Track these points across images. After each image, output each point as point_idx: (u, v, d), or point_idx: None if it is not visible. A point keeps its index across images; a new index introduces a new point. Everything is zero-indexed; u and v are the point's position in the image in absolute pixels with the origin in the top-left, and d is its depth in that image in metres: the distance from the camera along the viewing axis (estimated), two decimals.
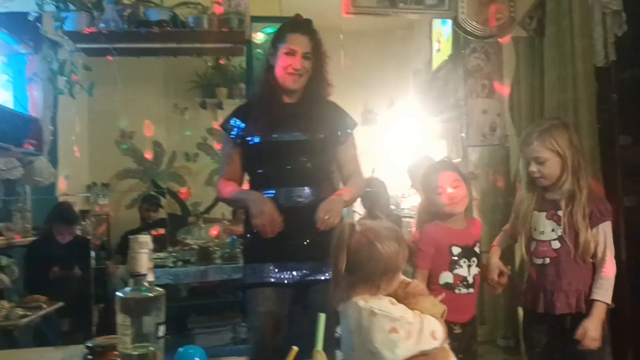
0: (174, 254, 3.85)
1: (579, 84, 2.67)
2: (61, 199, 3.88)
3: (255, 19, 3.05)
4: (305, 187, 2.01)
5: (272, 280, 1.99)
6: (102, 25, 2.78)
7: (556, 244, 1.95)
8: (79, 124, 4.42)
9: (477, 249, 2.03)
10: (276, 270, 2.00)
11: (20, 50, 3.24)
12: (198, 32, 2.84)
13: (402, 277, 1.37)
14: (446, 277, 1.98)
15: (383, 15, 3.06)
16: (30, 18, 2.90)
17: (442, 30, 4.13)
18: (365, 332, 1.25)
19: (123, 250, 4.05)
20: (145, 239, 1.11)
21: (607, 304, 1.92)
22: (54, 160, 3.81)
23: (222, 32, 2.84)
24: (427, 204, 2.12)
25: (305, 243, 1.99)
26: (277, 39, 2.08)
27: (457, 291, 1.98)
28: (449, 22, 3.28)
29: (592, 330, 1.88)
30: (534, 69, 2.97)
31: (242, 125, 2.07)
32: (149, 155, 5.02)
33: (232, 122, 2.09)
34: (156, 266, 3.83)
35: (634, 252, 2.57)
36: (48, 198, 3.75)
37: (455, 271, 1.98)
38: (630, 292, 2.55)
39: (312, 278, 2.00)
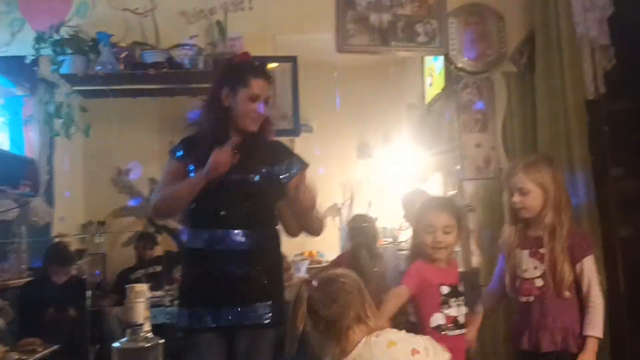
0: (171, 293, 3.82)
1: (571, 117, 2.71)
2: (56, 239, 3.86)
3: (252, 58, 3.08)
4: (241, 231, 1.98)
5: (207, 325, 1.93)
6: (98, 67, 2.81)
7: (539, 282, 1.97)
8: (74, 163, 4.44)
9: (461, 288, 1.99)
10: (212, 314, 1.94)
11: (16, 93, 3.27)
12: (193, 73, 2.87)
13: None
14: (438, 319, 1.93)
15: (376, 53, 3.11)
16: (27, 61, 2.94)
17: (434, 65, 4.19)
18: None
19: (119, 289, 4.01)
20: (142, 287, 1.10)
21: (600, 339, 1.92)
22: (49, 200, 3.80)
23: None
24: (415, 238, 2.08)
25: (238, 287, 1.94)
26: (237, 82, 2.02)
27: (449, 333, 1.92)
28: (441, 57, 3.34)
29: None
30: (525, 102, 3.02)
31: (188, 158, 2.05)
32: (145, 192, 5.02)
33: (178, 152, 2.08)
34: (152, 305, 3.78)
35: (632, 283, 2.57)
36: (44, 239, 3.73)
37: (446, 311, 1.94)
38: (630, 324, 2.54)
39: (241, 324, 1.95)
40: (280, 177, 2.05)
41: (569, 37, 2.75)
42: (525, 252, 2.00)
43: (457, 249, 3.95)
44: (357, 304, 1.31)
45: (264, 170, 2.03)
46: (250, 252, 1.97)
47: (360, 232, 3.32)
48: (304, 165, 2.11)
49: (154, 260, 4.62)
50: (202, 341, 1.94)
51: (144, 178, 4.99)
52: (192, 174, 2.02)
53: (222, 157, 1.91)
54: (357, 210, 4.58)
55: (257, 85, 2.01)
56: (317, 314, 1.30)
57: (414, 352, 1.25)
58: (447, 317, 1.94)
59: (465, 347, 1.99)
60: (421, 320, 1.96)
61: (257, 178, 2.02)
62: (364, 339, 1.28)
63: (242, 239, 1.98)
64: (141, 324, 1.10)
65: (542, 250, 1.97)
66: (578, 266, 1.95)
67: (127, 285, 1.14)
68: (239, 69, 2.06)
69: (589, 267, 1.97)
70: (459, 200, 3.93)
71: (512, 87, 3.06)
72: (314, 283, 1.34)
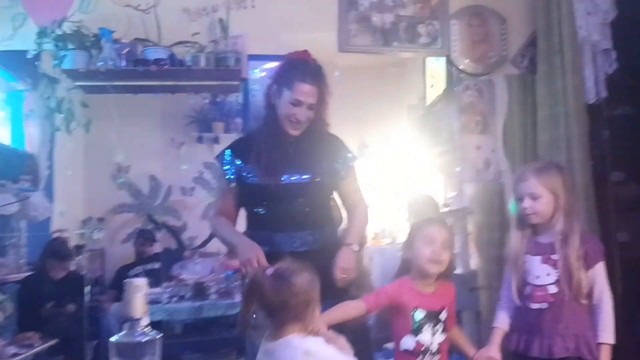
0: (169, 290, 3.82)
1: (571, 121, 2.71)
2: (55, 234, 3.86)
3: (253, 57, 3.09)
4: (305, 232, 1.98)
5: None
6: (100, 63, 2.81)
7: (553, 289, 1.95)
8: (75, 159, 4.44)
9: (443, 315, 1.92)
10: None
11: (18, 87, 3.27)
12: (195, 70, 2.87)
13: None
14: (407, 342, 1.88)
15: (377, 53, 3.11)
16: (29, 56, 2.93)
17: (436, 67, 4.18)
18: None
19: (117, 285, 4.02)
20: (141, 282, 1.10)
21: (612, 345, 1.93)
22: (49, 195, 3.80)
23: (219, 70, 2.87)
24: (407, 252, 2.00)
25: None
26: (283, 82, 2.01)
27: (416, 358, 1.87)
28: (443, 59, 3.34)
29: None
30: (526, 106, 3.02)
31: (239, 162, 2.04)
32: (145, 189, 5.03)
33: (227, 157, 2.06)
34: (150, 302, 3.78)
35: (630, 287, 2.57)
36: (43, 234, 3.73)
37: (418, 337, 1.88)
38: (628, 328, 2.54)
39: None
40: (340, 170, 2.07)
41: (571, 40, 2.75)
42: (537, 259, 1.98)
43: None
44: (300, 305, 1.36)
45: (323, 169, 2.03)
46: (313, 252, 1.95)
47: None
48: (355, 157, 2.14)
49: (153, 257, 4.63)
50: None
51: (143, 175, 5.01)
52: (236, 169, 2.02)
53: (253, 263, 1.85)
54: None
55: (301, 90, 1.96)
56: (262, 300, 1.37)
57: None
58: (417, 343, 1.88)
59: None
60: (395, 341, 1.94)
61: (321, 177, 2.02)
62: (291, 335, 1.33)
63: (308, 239, 1.99)
64: (139, 319, 1.09)
65: (554, 257, 1.95)
66: (590, 272, 1.95)
67: (125, 280, 1.14)
68: (289, 69, 2.03)
69: (601, 273, 1.97)
70: (457, 202, 3.94)
71: (513, 89, 3.06)
72: (269, 272, 1.41)
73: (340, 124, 4.71)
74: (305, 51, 2.09)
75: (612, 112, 2.80)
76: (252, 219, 2.07)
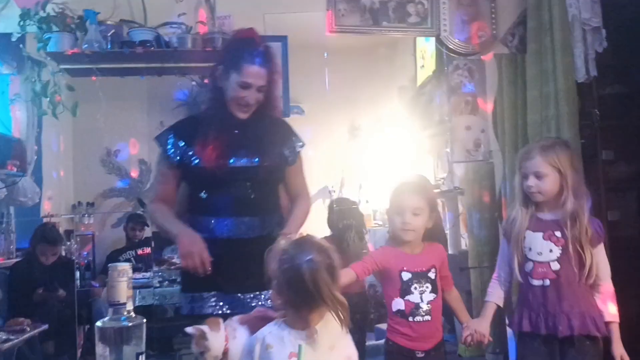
0: (160, 274, 3.82)
1: (561, 100, 2.70)
2: (45, 219, 3.84)
3: None
4: (251, 217, 1.92)
5: (212, 312, 1.88)
6: (85, 46, 2.77)
7: (555, 265, 1.93)
8: (63, 143, 4.40)
9: (431, 275, 1.94)
10: (216, 301, 1.91)
11: (3, 71, 3.22)
12: (182, 52, 2.83)
13: None
14: (398, 304, 1.92)
15: (367, 33, 3.08)
16: (13, 39, 2.88)
17: (426, 47, 4.16)
18: None
19: (108, 270, 4.01)
20: (125, 267, 1.09)
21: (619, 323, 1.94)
22: (38, 180, 3.78)
23: (206, 52, 2.83)
24: (389, 222, 2.04)
25: (248, 275, 1.86)
26: (230, 64, 1.92)
27: (411, 319, 1.90)
28: (433, 39, 3.31)
29: (624, 353, 1.90)
30: (516, 85, 3.00)
31: (182, 143, 1.93)
32: (134, 173, 4.99)
33: (170, 138, 1.95)
34: (142, 286, 3.79)
35: (618, 266, 2.58)
36: (32, 219, 3.70)
37: (407, 297, 1.91)
38: (618, 305, 2.56)
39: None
40: (287, 155, 2.01)
41: (561, 19, 2.73)
42: (539, 235, 1.96)
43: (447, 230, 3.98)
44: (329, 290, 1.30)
45: (271, 153, 1.97)
46: (257, 239, 1.90)
47: (348, 214, 3.31)
48: (302, 144, 2.06)
49: (144, 241, 4.61)
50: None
51: (133, 159, 4.97)
52: (179, 151, 1.92)
53: (200, 269, 1.82)
54: (347, 193, 4.58)
55: (249, 72, 1.88)
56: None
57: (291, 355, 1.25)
58: (407, 303, 1.91)
59: (430, 334, 1.94)
60: (386, 304, 1.96)
61: (258, 162, 1.95)
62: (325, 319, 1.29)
63: (254, 225, 1.93)
64: (124, 303, 1.08)
65: (558, 234, 1.93)
66: (594, 251, 1.93)
67: (109, 265, 1.13)
68: (236, 50, 1.95)
69: (603, 252, 1.97)
70: (448, 182, 3.95)
71: (503, 69, 3.04)
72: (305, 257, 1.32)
73: (330, 105, 4.73)
74: (251, 29, 2.00)
75: (602, 92, 2.80)
76: (194, 204, 1.97)
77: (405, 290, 1.92)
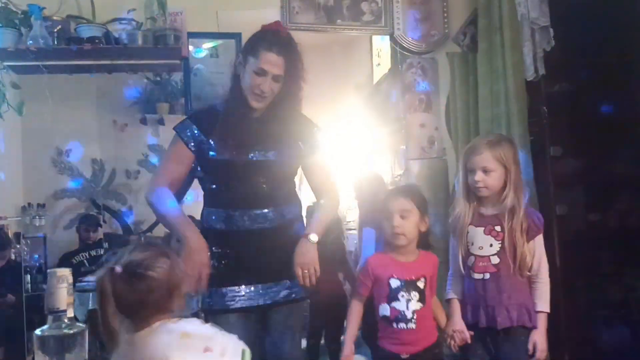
0: None
1: (511, 97, 2.77)
2: None
3: (193, 34, 2.99)
4: (266, 209, 1.92)
5: (236, 305, 1.89)
6: (30, 42, 2.67)
7: (495, 259, 1.99)
8: (11, 143, 4.24)
9: (420, 284, 1.96)
10: (237, 294, 1.91)
11: None
12: (132, 48, 2.76)
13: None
14: (384, 309, 1.95)
15: (321, 31, 3.07)
16: None
17: (382, 45, 4.19)
18: (178, 355, 1.17)
19: None
20: (64, 272, 1.05)
21: (548, 313, 2.00)
22: None
23: (158, 49, 2.77)
24: (383, 229, 2.07)
25: (265, 266, 1.91)
26: (248, 51, 1.92)
27: (395, 326, 1.93)
28: (387, 37, 3.33)
29: (542, 343, 1.95)
30: (468, 83, 3.05)
31: (201, 136, 1.93)
32: (87, 173, 4.86)
33: (189, 130, 1.94)
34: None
35: (567, 259, 2.67)
36: None
37: (393, 304, 1.94)
38: (564, 297, 2.64)
39: (274, 300, 1.94)
40: (303, 147, 2.00)
41: (510, 18, 2.79)
42: (480, 230, 2.01)
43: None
44: (163, 297, 1.23)
45: (288, 147, 1.96)
46: (273, 230, 1.92)
47: None
48: (323, 135, 2.06)
49: (98, 242, 4.49)
50: (232, 322, 1.87)
51: (85, 159, 4.83)
52: (197, 142, 1.91)
53: (201, 265, 1.79)
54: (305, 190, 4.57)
55: (266, 58, 1.87)
56: (116, 304, 1.19)
57: (206, 349, 1.19)
58: (393, 310, 1.94)
59: (415, 341, 1.97)
60: (375, 307, 1.99)
61: (286, 155, 1.95)
62: (158, 323, 1.22)
63: (264, 218, 1.92)
64: (64, 310, 1.05)
65: (497, 228, 1.99)
66: (530, 244, 2.00)
67: (48, 270, 1.09)
68: (257, 39, 1.94)
69: (540, 245, 2.03)
70: (404, 179, 3.98)
71: (455, 67, 3.09)
72: (117, 270, 1.21)
73: None
74: (278, 22, 2.03)
75: (551, 89, 2.87)
76: (209, 196, 1.98)
77: (392, 297, 1.94)
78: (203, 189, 2.01)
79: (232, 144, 1.89)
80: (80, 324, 1.07)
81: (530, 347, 1.95)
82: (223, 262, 1.91)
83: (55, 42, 2.72)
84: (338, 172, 4.64)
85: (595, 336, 2.83)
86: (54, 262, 4.47)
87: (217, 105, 2.03)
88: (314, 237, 1.91)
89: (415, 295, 1.95)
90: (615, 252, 2.80)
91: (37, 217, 4.63)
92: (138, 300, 1.19)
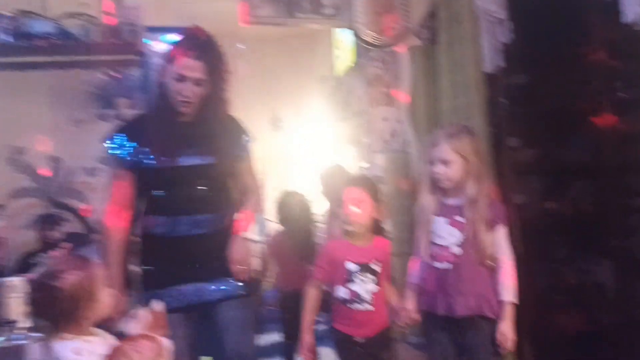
0: None
1: (471, 89, 2.79)
2: None
3: (152, 28, 2.94)
4: (205, 215, 1.95)
5: (175, 304, 1.89)
6: None
7: (456, 249, 2.01)
8: None
9: (375, 267, 2.05)
10: (176, 294, 1.94)
11: None
12: (87, 44, 2.69)
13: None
14: (340, 291, 2.04)
15: (281, 24, 3.05)
16: None
17: (344, 38, 4.19)
18: None
19: (22, 272, 3.79)
20: (15, 282, 1.02)
21: (515, 304, 2.02)
22: None
23: (114, 44, 2.71)
24: (329, 216, 2.16)
25: (203, 267, 1.96)
26: (167, 57, 1.94)
27: (350, 306, 2.02)
28: (349, 30, 3.32)
29: (509, 332, 1.97)
30: (429, 76, 3.07)
31: (133, 144, 1.93)
32: (44, 171, 4.72)
33: (120, 140, 1.94)
34: None
35: (525, 246, 2.72)
36: None
37: (349, 286, 2.02)
38: (525, 285, 2.70)
39: (214, 298, 1.98)
40: (238, 151, 2.04)
41: (468, 10, 2.81)
42: (442, 220, 2.03)
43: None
44: (70, 307, 1.23)
45: (221, 150, 1.98)
46: (212, 235, 1.96)
47: (297, 207, 3.31)
48: (251, 138, 2.10)
49: (58, 242, 4.38)
50: (174, 321, 1.83)
51: (43, 156, 4.70)
52: (130, 152, 1.92)
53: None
54: (271, 184, 4.55)
55: (182, 63, 1.88)
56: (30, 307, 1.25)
57: None
58: (351, 292, 2.01)
59: (370, 322, 2.05)
60: (331, 290, 2.06)
61: (220, 159, 1.97)
62: (57, 340, 1.23)
63: (208, 221, 1.95)
64: (14, 321, 1.01)
65: (459, 218, 2.01)
66: (493, 234, 2.01)
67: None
68: (175, 43, 1.97)
69: (502, 234, 2.05)
70: (370, 172, 4.01)
71: (416, 60, 3.11)
72: (31, 277, 1.28)
73: (251, 98, 4.65)
74: (197, 26, 2.00)
75: (509, 81, 2.91)
76: (151, 203, 1.99)
77: (348, 279, 2.02)
78: (143, 196, 2.00)
79: (163, 149, 1.92)
80: (35, 335, 1.04)
81: (499, 337, 1.97)
82: (161, 265, 1.95)
83: (9, 38, 2.62)
84: (302, 165, 4.65)
85: (553, 321, 2.90)
86: (13, 263, 4.35)
87: (145, 114, 2.08)
88: (245, 233, 2.00)
89: (370, 277, 2.04)
90: (570, 237, 2.87)
91: None
92: (46, 307, 1.21)
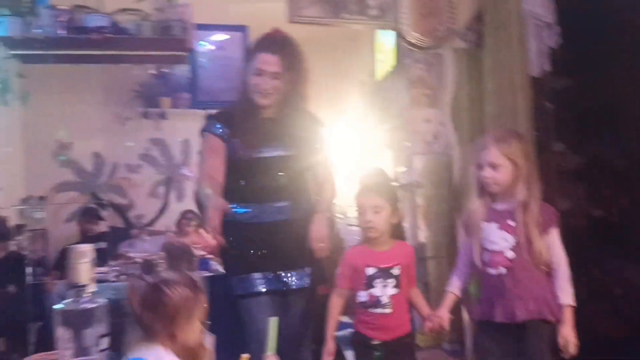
0: (116, 268, 3.73)
1: (516, 93, 2.78)
2: None
3: (201, 26, 3.01)
4: (284, 202, 2.09)
5: (262, 289, 2.06)
6: (37, 30, 2.67)
7: (510, 254, 1.98)
8: (13, 133, 4.24)
9: (395, 271, 2.05)
10: (263, 280, 2.07)
11: None
12: (139, 39, 2.78)
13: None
14: (362, 296, 2.05)
15: (327, 25, 3.09)
16: None
17: (385, 42, 4.20)
18: None
19: (61, 266, 3.89)
20: (85, 248, 1.06)
21: (574, 307, 1.98)
22: None
23: (164, 40, 2.78)
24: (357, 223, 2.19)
25: (286, 256, 2.09)
26: (249, 55, 2.13)
27: (371, 310, 2.03)
28: (391, 33, 3.34)
29: (571, 336, 1.93)
30: (473, 79, 3.07)
31: (227, 130, 2.10)
32: (89, 166, 4.86)
33: (215, 126, 2.10)
34: (98, 281, 3.69)
35: (570, 253, 2.68)
36: None
37: (370, 291, 2.03)
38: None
39: (295, 287, 2.11)
40: (315, 145, 2.17)
41: (516, 14, 2.81)
42: (494, 225, 2.00)
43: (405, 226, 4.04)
44: (169, 319, 1.27)
45: (301, 144, 2.12)
46: (291, 222, 2.09)
47: None
48: (327, 132, 2.25)
49: (99, 236, 4.49)
50: (262, 303, 2.05)
51: (88, 152, 4.84)
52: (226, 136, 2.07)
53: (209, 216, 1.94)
54: None
55: (262, 59, 2.05)
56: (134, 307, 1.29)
57: None
58: (371, 296, 2.03)
59: (390, 326, 2.06)
60: (353, 294, 2.08)
61: (300, 151, 2.12)
62: (155, 348, 1.26)
63: (287, 209, 2.09)
64: (84, 285, 1.05)
65: (511, 223, 1.98)
66: (545, 238, 1.98)
67: (69, 246, 1.10)
68: (255, 42, 2.16)
69: (556, 238, 2.02)
70: (408, 176, 3.99)
71: (461, 63, 3.10)
72: (148, 279, 1.31)
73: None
74: (274, 28, 2.18)
75: (555, 85, 2.88)
76: (235, 191, 2.10)
77: (368, 284, 2.03)
78: (227, 183, 2.12)
79: (245, 142, 2.08)
80: (101, 299, 1.08)
81: (560, 341, 1.92)
82: (244, 251, 2.08)
83: (63, 32, 2.72)
84: (341, 169, 4.66)
85: (597, 330, 2.84)
86: (54, 255, 4.47)
87: (232, 108, 2.23)
88: (325, 213, 2.13)
89: (391, 281, 2.04)
90: (616, 246, 2.82)
91: (38, 209, 4.63)
92: (152, 311, 1.26)
